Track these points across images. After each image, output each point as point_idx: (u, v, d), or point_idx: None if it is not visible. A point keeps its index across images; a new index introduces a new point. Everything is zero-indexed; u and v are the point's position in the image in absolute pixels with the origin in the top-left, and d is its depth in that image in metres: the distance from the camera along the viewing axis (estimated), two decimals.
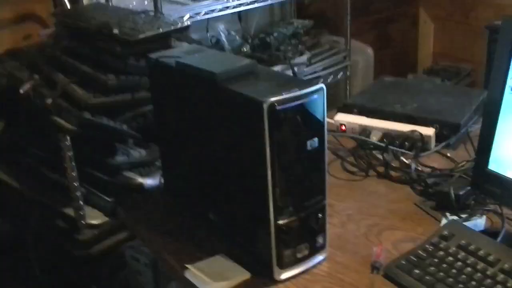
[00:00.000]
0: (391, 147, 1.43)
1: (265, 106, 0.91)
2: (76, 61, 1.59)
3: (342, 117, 1.58)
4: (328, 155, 1.37)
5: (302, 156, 0.98)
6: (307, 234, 1.05)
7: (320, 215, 1.05)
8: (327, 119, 1.58)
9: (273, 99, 0.92)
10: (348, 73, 2.58)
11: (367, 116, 1.57)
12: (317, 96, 0.96)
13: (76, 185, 1.52)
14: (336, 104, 1.66)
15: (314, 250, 1.07)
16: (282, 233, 1.01)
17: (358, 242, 1.15)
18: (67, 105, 1.51)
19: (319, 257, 1.09)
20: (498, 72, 1.00)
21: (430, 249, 1.05)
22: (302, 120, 0.96)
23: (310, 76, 2.39)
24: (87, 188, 1.63)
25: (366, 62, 2.71)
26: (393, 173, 1.39)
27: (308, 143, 0.98)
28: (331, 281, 1.05)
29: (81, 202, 1.54)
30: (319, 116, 0.98)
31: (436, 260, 1.02)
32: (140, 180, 1.58)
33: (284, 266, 1.04)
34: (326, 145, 1.02)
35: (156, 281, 1.51)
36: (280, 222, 1.00)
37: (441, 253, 1.03)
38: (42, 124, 1.57)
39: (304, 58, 2.26)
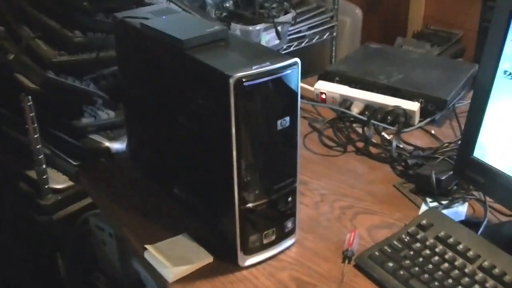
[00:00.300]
0: (373, 121, 1.34)
1: (231, 81, 0.82)
2: (42, 14, 1.47)
3: (323, 85, 1.50)
4: (305, 126, 1.30)
5: (271, 136, 0.90)
6: (275, 219, 0.98)
7: (290, 198, 0.98)
8: (306, 86, 1.52)
9: (240, 74, 0.83)
10: (334, 33, 2.47)
11: (349, 85, 1.48)
12: (290, 72, 0.87)
13: (38, 147, 1.43)
14: (321, 66, 1.57)
15: (283, 235, 1.00)
16: (247, 218, 0.94)
17: (331, 226, 1.08)
18: (31, 62, 1.40)
19: (288, 242, 1.02)
20: (490, 54, 0.91)
21: (406, 239, 0.98)
22: (273, 97, 0.87)
23: (294, 36, 2.28)
24: (52, 150, 1.54)
25: (354, 23, 2.60)
26: (373, 149, 1.31)
27: (279, 122, 0.89)
28: (299, 270, 0.98)
29: (44, 166, 1.45)
30: (292, 93, 0.89)
31: (412, 252, 0.95)
32: (107, 144, 1.49)
33: (249, 252, 0.97)
34: (299, 124, 0.93)
35: (121, 252, 1.44)
36: (246, 206, 0.93)
37: (418, 245, 0.96)
38: (3, 80, 1.46)
39: (289, 16, 2.15)
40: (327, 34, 2.42)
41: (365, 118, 1.36)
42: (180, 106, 0.99)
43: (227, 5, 2.16)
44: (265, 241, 0.98)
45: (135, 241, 1.07)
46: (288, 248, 1.02)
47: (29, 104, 1.36)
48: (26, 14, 1.50)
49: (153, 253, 1.01)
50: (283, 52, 2.24)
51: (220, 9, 2.12)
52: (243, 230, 0.95)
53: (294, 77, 0.88)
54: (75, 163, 1.51)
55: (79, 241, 1.53)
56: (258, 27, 2.07)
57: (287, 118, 0.90)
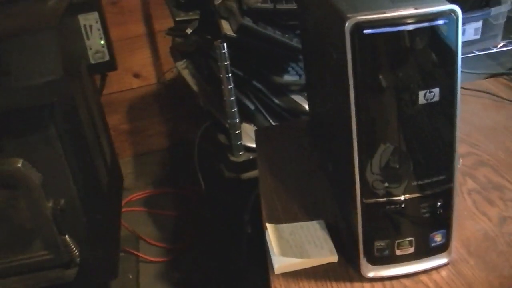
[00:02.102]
0: None
1: (347, 25, 0.60)
2: None
3: None
4: None
5: (410, 112, 0.65)
6: (415, 226, 0.73)
7: (440, 203, 0.71)
8: None
9: (362, 17, 0.60)
10: None
11: None
12: (442, 23, 0.61)
13: (232, 99, 1.33)
14: None
15: (427, 250, 0.74)
16: (373, 216, 0.71)
17: (508, 253, 0.78)
18: (235, 8, 1.31)
19: (435, 261, 0.76)
20: None
21: None
22: (411, 57, 0.62)
23: None
24: (256, 105, 1.43)
25: None
26: None
27: (421, 93, 0.64)
28: None
29: (237, 120, 1.36)
30: (444, 55, 0.63)
31: None
32: (307, 107, 1.33)
33: (375, 261, 0.74)
34: (459, 98, 0.66)
35: None
36: (371, 200, 0.70)
37: None
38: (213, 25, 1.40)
39: None
40: None
41: None
42: (325, 61, 0.79)
43: None
44: (398, 252, 0.74)
45: (264, 215, 0.91)
46: (435, 268, 0.76)
47: (223, 51, 1.27)
48: None
49: (270, 234, 0.85)
50: None
51: None
52: (367, 231, 0.72)
53: (449, 31, 0.62)
54: (273, 123, 1.39)
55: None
56: None
57: (436, 90, 0.64)
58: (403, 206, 0.70)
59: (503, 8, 1.64)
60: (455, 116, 0.66)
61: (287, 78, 1.36)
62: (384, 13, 0.60)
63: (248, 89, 1.42)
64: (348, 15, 0.61)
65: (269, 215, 0.90)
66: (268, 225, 0.86)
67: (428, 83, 0.63)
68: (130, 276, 1.83)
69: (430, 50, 0.62)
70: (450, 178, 0.70)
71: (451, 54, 0.62)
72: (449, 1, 1.57)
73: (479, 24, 1.66)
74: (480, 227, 0.83)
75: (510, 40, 1.77)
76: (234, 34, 1.26)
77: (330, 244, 0.82)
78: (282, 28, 1.30)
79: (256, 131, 1.15)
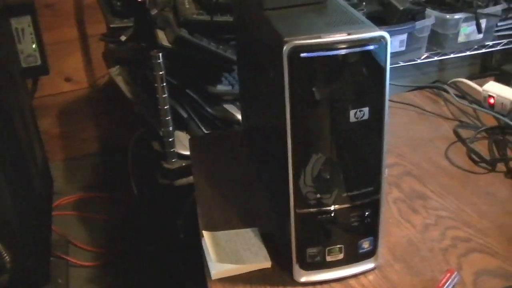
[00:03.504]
0: None
1: (285, 48, 0.64)
2: None
3: (494, 88, 1.21)
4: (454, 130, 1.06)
5: (341, 130, 0.70)
6: (344, 234, 0.78)
7: (368, 213, 0.77)
8: (474, 86, 1.25)
9: (299, 42, 0.64)
10: None
11: None
12: (373, 48, 0.66)
13: (166, 108, 1.36)
14: None
15: (355, 256, 0.80)
16: (305, 225, 0.76)
17: (430, 258, 0.85)
18: (172, 19, 1.33)
19: (363, 266, 0.81)
20: None
21: None
22: (345, 78, 0.67)
23: (503, 33, 1.94)
24: (189, 113, 1.47)
25: None
26: None
27: (352, 112, 0.69)
28: None
29: (170, 128, 1.39)
30: (374, 77, 0.68)
31: None
32: (239, 116, 1.38)
33: (307, 267, 0.79)
34: (387, 118, 0.71)
35: None
36: (303, 210, 0.74)
37: None
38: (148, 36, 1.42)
39: (497, 8, 1.82)
40: None
41: None
42: (261, 80, 0.83)
43: None
44: (328, 258, 0.79)
45: (201, 223, 0.94)
46: (363, 273, 0.81)
47: (159, 61, 1.29)
48: None
49: (206, 242, 0.88)
50: (487, 50, 1.93)
51: None
52: (300, 239, 0.77)
53: (377, 56, 0.67)
54: (205, 131, 1.42)
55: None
56: (457, 16, 1.79)
57: (365, 109, 0.69)
58: (333, 215, 0.75)
59: (427, 22, 1.74)
60: (383, 133, 0.71)
61: (221, 88, 1.40)
62: (320, 37, 0.65)
63: (182, 97, 1.45)
64: (285, 39, 0.65)
65: (206, 223, 0.93)
66: (204, 232, 0.90)
67: (359, 103, 0.68)
68: (60, 281, 1.82)
69: (361, 73, 0.67)
70: (378, 190, 0.76)
71: (380, 77, 0.68)
72: (379, 14, 1.65)
73: (404, 36, 1.75)
74: (405, 234, 0.89)
75: (433, 52, 1.87)
76: (170, 45, 1.29)
77: (264, 250, 0.86)
78: (217, 40, 1.34)
79: (190, 139, 1.18)
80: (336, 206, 0.75)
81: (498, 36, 1.95)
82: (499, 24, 1.92)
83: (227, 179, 1.05)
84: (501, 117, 1.14)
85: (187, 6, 1.31)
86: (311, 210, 0.74)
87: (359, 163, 0.73)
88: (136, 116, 1.60)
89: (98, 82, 2.17)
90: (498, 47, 1.95)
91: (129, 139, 1.81)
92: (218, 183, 1.03)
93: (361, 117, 0.69)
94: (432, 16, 1.78)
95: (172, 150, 1.40)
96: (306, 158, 0.71)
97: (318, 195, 0.73)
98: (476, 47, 1.90)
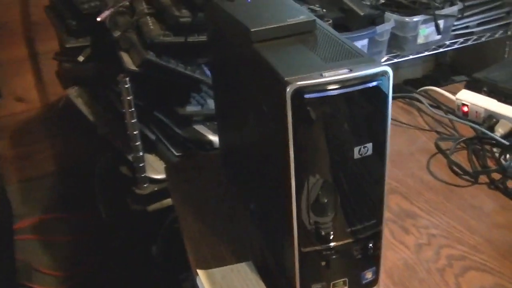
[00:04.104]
0: None
1: (288, 90, 0.62)
2: None
3: (467, 96, 1.22)
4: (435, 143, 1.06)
5: (345, 166, 0.69)
6: (348, 267, 0.77)
7: (371, 244, 0.76)
8: (447, 94, 1.26)
9: (302, 82, 0.62)
10: (509, 32, 2.12)
11: (499, 99, 1.20)
12: (376, 84, 0.65)
13: (136, 133, 1.32)
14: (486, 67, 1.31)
15: (359, 287, 0.79)
16: (310, 262, 0.74)
17: (428, 280, 0.85)
18: (136, 41, 1.29)
19: None
20: None
21: None
22: (348, 117, 0.66)
23: (460, 32, 1.98)
24: (158, 135, 1.43)
25: None
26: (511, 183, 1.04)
27: (356, 149, 0.68)
28: None
29: (141, 153, 1.34)
30: (377, 113, 0.67)
31: None
32: (211, 137, 1.35)
33: None
34: (388, 152, 0.71)
35: None
36: (308, 248, 0.73)
37: None
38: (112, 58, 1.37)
39: (454, 9, 1.85)
40: (500, 32, 2.08)
41: (505, 142, 1.08)
42: (249, 109, 0.81)
43: None
44: None
45: (192, 260, 0.91)
46: None
47: (126, 86, 1.25)
48: None
49: (202, 282, 0.85)
50: (446, 49, 1.96)
51: None
52: (304, 276, 0.75)
53: (381, 92, 0.66)
54: (176, 153, 1.39)
55: (171, 238, 1.42)
56: (415, 18, 1.81)
57: (369, 145, 0.68)
58: (338, 251, 0.74)
59: (387, 26, 1.74)
60: (385, 165, 0.70)
61: (190, 108, 1.37)
62: (321, 76, 0.63)
63: (149, 119, 1.41)
64: (287, 79, 0.63)
65: (197, 260, 0.91)
66: (199, 271, 0.87)
67: (362, 139, 0.67)
68: None
69: (365, 109, 0.66)
70: (380, 221, 0.75)
71: (384, 110, 0.67)
72: (341, 21, 1.63)
73: (365, 41, 1.76)
74: (400, 257, 0.89)
75: (393, 55, 1.88)
76: (137, 69, 1.25)
77: (262, 286, 0.84)
78: (184, 60, 1.31)
79: (166, 167, 1.16)
80: (341, 241, 0.73)
81: (455, 35, 1.98)
82: (455, 23, 1.95)
83: (211, 208, 1.02)
84: (477, 126, 1.15)
85: (152, 27, 1.27)
86: (317, 248, 0.72)
87: (363, 197, 0.72)
88: (99, 138, 1.55)
89: (52, 102, 2.10)
90: (455, 46, 1.98)
91: (90, 160, 1.76)
92: (202, 212, 1.01)
93: (365, 153, 0.68)
94: (391, 19, 1.79)
95: (143, 175, 1.36)
96: (310, 196, 0.69)
97: (323, 232, 0.72)
98: (434, 47, 1.93)
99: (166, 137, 1.41)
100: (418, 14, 1.83)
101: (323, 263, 0.74)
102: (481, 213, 0.98)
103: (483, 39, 2.05)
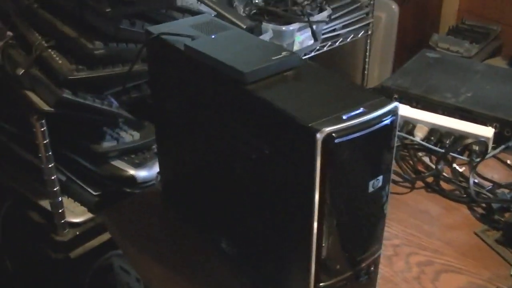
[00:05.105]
0: (453, 154, 1.16)
1: (319, 137, 0.63)
2: (57, 19, 1.27)
3: None
4: None
5: (361, 200, 0.71)
6: None
7: (373, 268, 0.79)
8: None
9: (330, 128, 0.63)
10: (369, 31, 2.27)
11: (411, 105, 1.29)
12: (390, 120, 0.68)
13: (53, 178, 1.23)
14: (354, 66, 1.38)
15: None
16: None
17: None
18: (43, 78, 1.20)
19: None
20: None
21: None
22: (367, 154, 0.68)
23: (329, 35, 2.08)
24: (68, 176, 1.34)
25: (390, 19, 2.40)
26: (444, 184, 1.12)
27: (371, 183, 0.70)
28: None
29: (59, 198, 1.26)
30: (389, 147, 0.70)
31: None
32: (132, 172, 1.30)
33: None
34: (390, 181, 0.74)
35: None
36: (321, 284, 0.74)
37: None
38: (14, 97, 1.27)
39: (324, 14, 1.94)
40: (362, 32, 2.22)
41: (437, 149, 1.17)
42: (236, 150, 0.80)
43: (257, 1, 1.96)
44: None
45: None
46: None
47: (42, 129, 1.16)
48: (37, 17, 1.30)
49: None
50: (317, 53, 2.05)
51: (249, 6, 1.91)
52: None
53: (392, 126, 0.69)
54: (95, 193, 1.31)
55: (99, 283, 1.35)
56: (292, 27, 1.87)
57: (380, 178, 0.71)
58: (350, 280, 0.76)
59: (267, 36, 1.79)
60: (388, 191, 0.74)
61: (106, 144, 1.31)
62: (344, 120, 0.64)
63: (56, 160, 1.32)
64: (311, 124, 0.63)
65: None
66: None
67: (376, 173, 0.70)
68: None
69: (378, 145, 0.68)
70: (381, 245, 0.78)
71: (391, 143, 0.70)
72: None
73: None
74: None
75: None
76: (52, 109, 1.17)
77: None
78: (98, 95, 1.25)
79: (106, 217, 1.08)
80: (352, 270, 0.75)
81: (323, 38, 2.08)
82: (324, 28, 2.04)
83: (175, 255, 0.97)
84: (398, 133, 1.23)
85: (60, 61, 1.20)
86: (332, 281, 0.74)
87: (371, 225, 0.75)
88: None
89: None
90: (325, 48, 2.08)
91: None
92: (167, 262, 0.95)
93: (377, 186, 0.70)
94: (269, 29, 1.84)
95: (63, 221, 1.27)
96: (328, 235, 0.70)
97: (338, 266, 0.73)
98: (306, 52, 2.02)
99: (80, 176, 1.33)
100: (293, 22, 1.89)
101: None
102: (430, 217, 1.05)
103: (348, 39, 2.18)
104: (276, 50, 0.78)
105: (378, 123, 0.66)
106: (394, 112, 0.67)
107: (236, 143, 0.79)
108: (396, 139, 0.70)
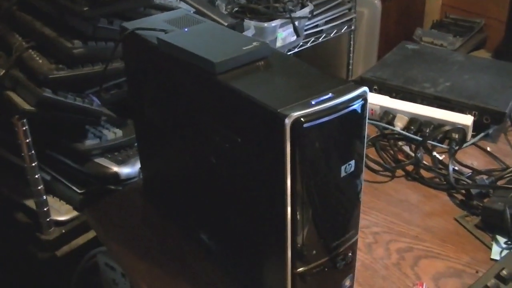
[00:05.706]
0: (431, 142, 1.17)
1: (287, 121, 0.64)
2: (36, 20, 1.27)
3: None
4: None
5: (334, 185, 0.72)
6: (332, 279, 0.80)
7: (350, 253, 0.79)
8: None
9: (299, 112, 0.64)
10: (352, 26, 2.28)
11: (390, 95, 1.30)
12: (358, 105, 0.68)
13: (37, 177, 1.23)
14: (338, 61, 1.39)
15: None
16: (300, 283, 0.76)
17: (390, 276, 0.90)
18: (24, 78, 1.21)
19: None
20: None
21: None
22: (336, 139, 0.69)
23: (311, 31, 2.09)
24: (53, 175, 1.35)
25: (372, 14, 2.41)
26: (424, 172, 1.13)
27: (343, 168, 0.71)
28: None
29: (44, 197, 1.26)
30: (359, 132, 0.71)
31: None
32: (115, 168, 1.30)
33: None
34: (364, 167, 0.75)
35: None
36: (299, 269, 0.75)
37: None
38: None
39: (306, 10, 1.95)
40: (345, 28, 2.23)
41: (416, 137, 1.18)
42: (209, 141, 0.80)
43: None
44: None
45: None
46: None
47: (24, 128, 1.17)
48: (16, 19, 1.31)
49: None
50: (300, 49, 2.06)
51: (231, 3, 1.92)
52: None
53: (362, 111, 0.69)
54: (79, 191, 1.32)
55: (86, 281, 1.35)
56: (274, 23, 1.87)
57: (352, 162, 0.71)
58: (326, 266, 0.76)
59: (249, 33, 1.79)
60: (362, 178, 0.75)
61: (89, 142, 1.31)
62: (311, 104, 0.65)
63: (40, 159, 1.32)
64: (280, 110, 0.64)
65: None
66: None
67: (347, 158, 0.70)
68: None
69: (348, 129, 0.69)
70: (357, 231, 0.79)
71: (362, 128, 0.71)
72: None
73: None
74: (357, 259, 0.93)
75: None
76: (34, 109, 1.17)
77: None
78: (79, 94, 1.25)
79: (90, 218, 1.09)
80: (328, 256, 0.76)
81: (306, 35, 2.09)
82: (306, 24, 2.05)
83: (159, 251, 0.98)
84: (378, 123, 1.24)
85: (40, 61, 1.20)
86: (307, 267, 0.75)
87: (345, 211, 0.75)
88: None
89: None
90: (308, 44, 2.09)
91: None
92: (152, 259, 0.96)
93: (349, 171, 0.71)
94: (251, 26, 1.84)
95: (48, 220, 1.28)
96: (302, 221, 0.71)
97: (314, 251, 0.74)
98: (289, 48, 2.02)
99: (64, 175, 1.34)
100: (275, 19, 1.90)
101: (312, 280, 0.76)
102: (410, 205, 1.06)
103: (331, 35, 2.19)
104: (248, 41, 0.79)
105: (346, 107, 0.67)
106: (363, 96, 0.68)
107: (210, 134, 0.79)
108: (366, 123, 0.71)
